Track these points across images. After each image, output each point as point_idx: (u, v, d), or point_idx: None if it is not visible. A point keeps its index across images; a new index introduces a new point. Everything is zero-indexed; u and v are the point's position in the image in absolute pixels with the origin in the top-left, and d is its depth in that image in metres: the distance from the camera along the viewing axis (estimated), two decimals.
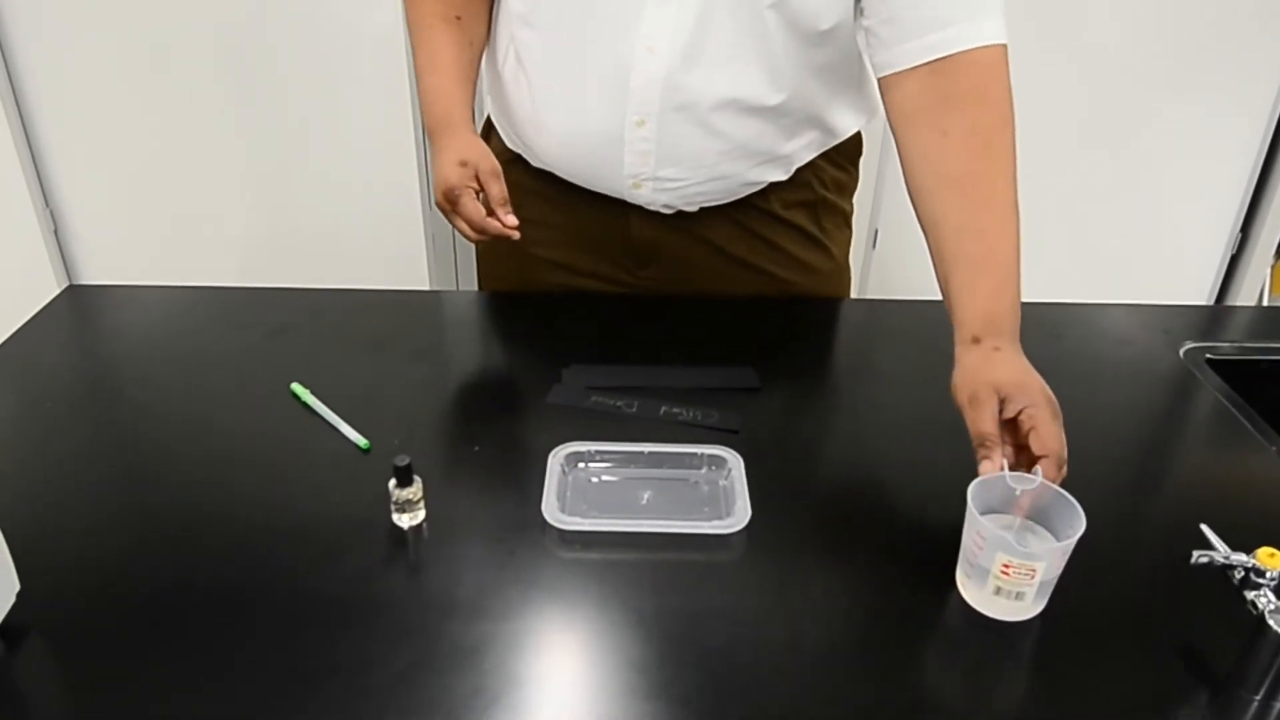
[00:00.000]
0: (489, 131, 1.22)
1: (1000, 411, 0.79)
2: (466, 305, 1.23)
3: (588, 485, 0.85)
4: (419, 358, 1.06)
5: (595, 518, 0.80)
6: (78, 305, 1.17)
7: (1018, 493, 0.75)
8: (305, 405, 0.95)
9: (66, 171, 2.17)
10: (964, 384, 0.82)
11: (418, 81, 1.09)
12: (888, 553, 0.79)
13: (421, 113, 1.08)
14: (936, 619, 0.72)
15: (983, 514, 0.72)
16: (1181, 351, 1.10)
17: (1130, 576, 0.76)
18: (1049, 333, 1.13)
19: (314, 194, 2.17)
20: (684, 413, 0.94)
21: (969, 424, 0.79)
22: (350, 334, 1.10)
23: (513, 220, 0.99)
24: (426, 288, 2.28)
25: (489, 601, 0.71)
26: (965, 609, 0.73)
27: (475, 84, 1.10)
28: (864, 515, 0.83)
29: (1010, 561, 0.69)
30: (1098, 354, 1.10)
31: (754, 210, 1.13)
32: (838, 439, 0.95)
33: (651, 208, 1.10)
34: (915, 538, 0.81)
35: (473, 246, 1.29)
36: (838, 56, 1.02)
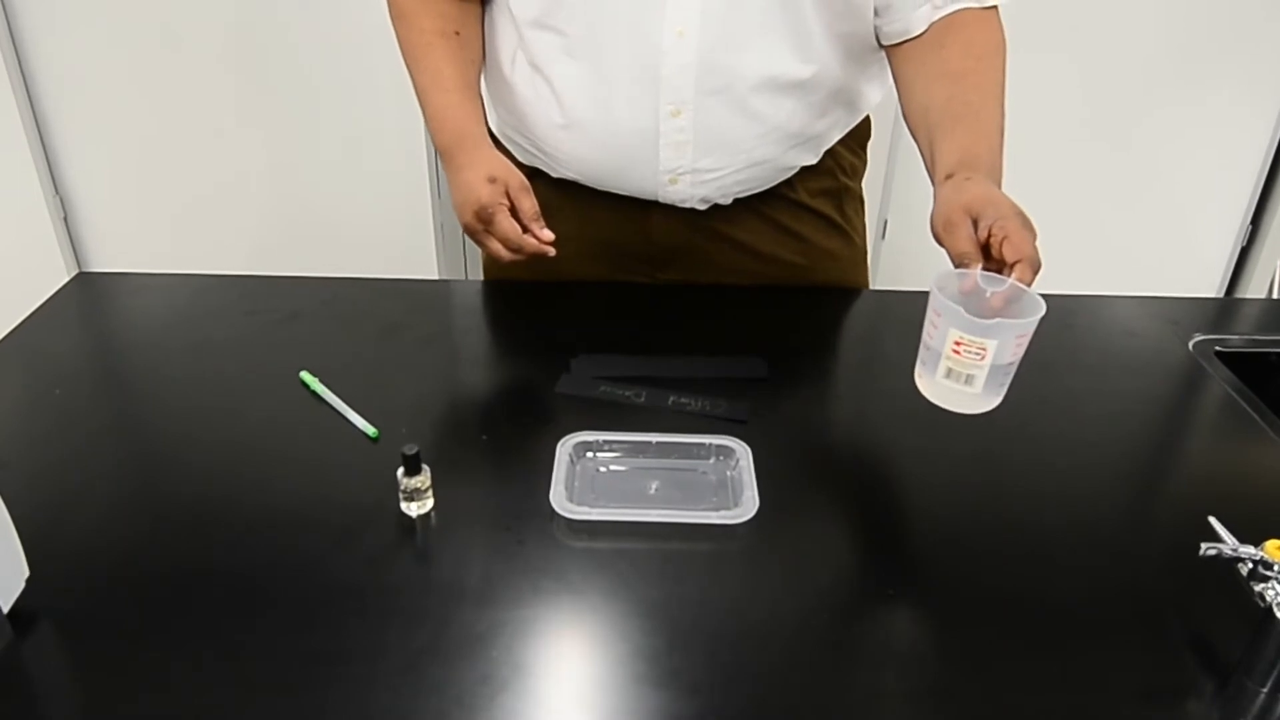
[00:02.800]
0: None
1: (976, 232, 0.79)
2: (475, 294, 1.23)
3: (596, 475, 0.85)
4: (427, 346, 1.06)
5: (603, 507, 0.80)
6: (87, 292, 1.18)
7: (988, 294, 0.74)
8: (314, 393, 0.95)
9: (76, 158, 2.17)
10: (937, 216, 0.82)
11: (422, 102, 1.04)
12: (897, 542, 0.79)
13: (431, 133, 1.04)
14: (947, 606, 0.72)
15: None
16: (1190, 344, 1.09)
17: (1138, 568, 0.76)
18: (1057, 323, 1.13)
19: (324, 182, 2.18)
20: (692, 402, 0.94)
21: (948, 249, 0.79)
22: (359, 322, 1.10)
23: (549, 235, 0.96)
24: (435, 276, 2.28)
25: (497, 590, 0.72)
26: (977, 596, 0.72)
27: (481, 102, 1.07)
28: (873, 505, 0.83)
29: (961, 338, 0.68)
30: (1106, 346, 1.09)
31: (780, 201, 1.13)
32: (847, 429, 0.95)
33: (685, 204, 1.09)
34: (925, 527, 0.81)
35: None
36: (858, 23, 1.02)
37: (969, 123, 0.92)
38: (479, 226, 0.97)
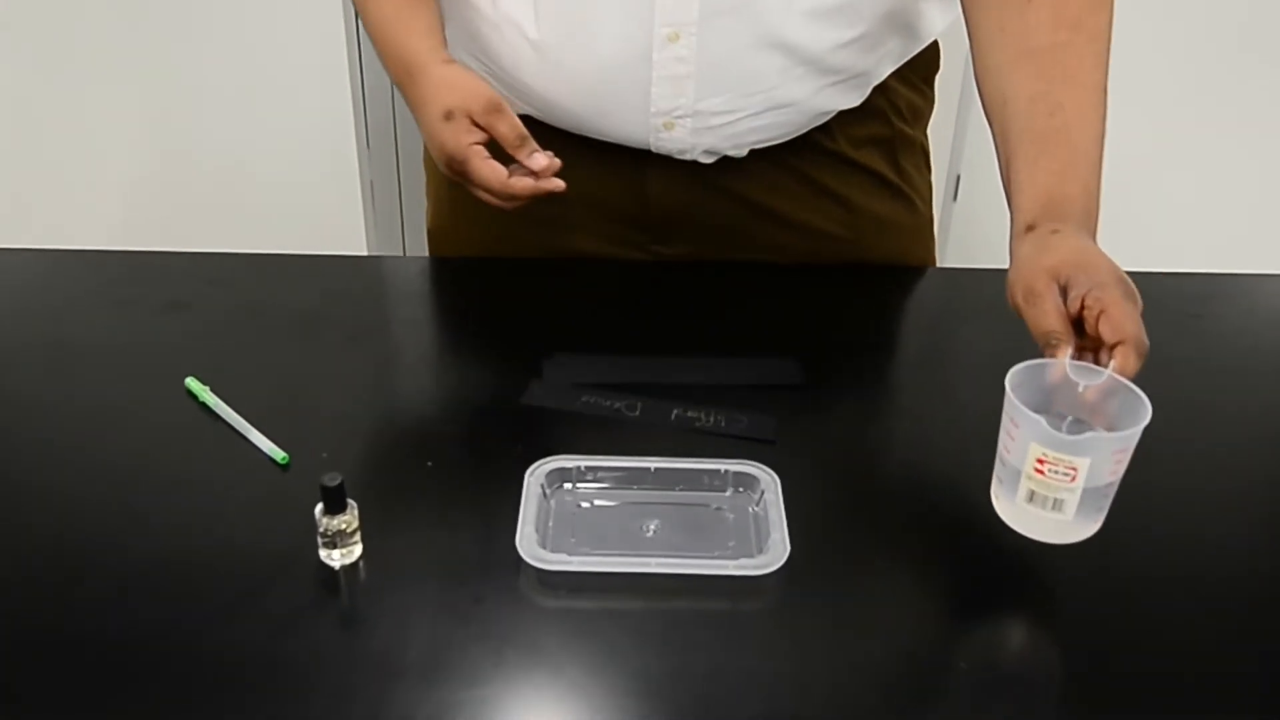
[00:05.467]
0: None
1: (1065, 302, 0.80)
2: (416, 275, 1.23)
3: (576, 512, 0.86)
4: (354, 344, 1.07)
5: (586, 554, 0.80)
6: None
7: (1081, 389, 0.76)
8: (205, 407, 0.95)
9: None
10: (1017, 280, 0.84)
11: (369, 32, 1.06)
12: (969, 600, 0.79)
13: (383, 65, 1.06)
14: (1037, 686, 0.72)
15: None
16: None
17: None
18: (1187, 311, 1.14)
19: (214, 127, 2.18)
20: (703, 417, 0.95)
21: (1030, 325, 0.81)
22: (264, 313, 1.11)
23: (541, 161, 0.96)
24: (364, 252, 2.28)
25: (447, 662, 0.72)
26: (1076, 673, 0.73)
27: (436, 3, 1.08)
28: (939, 553, 0.83)
29: (1045, 455, 0.71)
30: (1251, 339, 1.10)
31: (814, 152, 1.13)
32: (905, 452, 0.96)
33: (685, 156, 1.10)
34: (1000, 577, 0.81)
35: (424, 202, 1.29)
36: None
37: (1057, 145, 0.92)
38: (459, 179, 0.99)
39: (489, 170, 0.96)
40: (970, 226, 2.22)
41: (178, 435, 0.93)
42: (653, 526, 0.84)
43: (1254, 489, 0.91)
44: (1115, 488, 0.73)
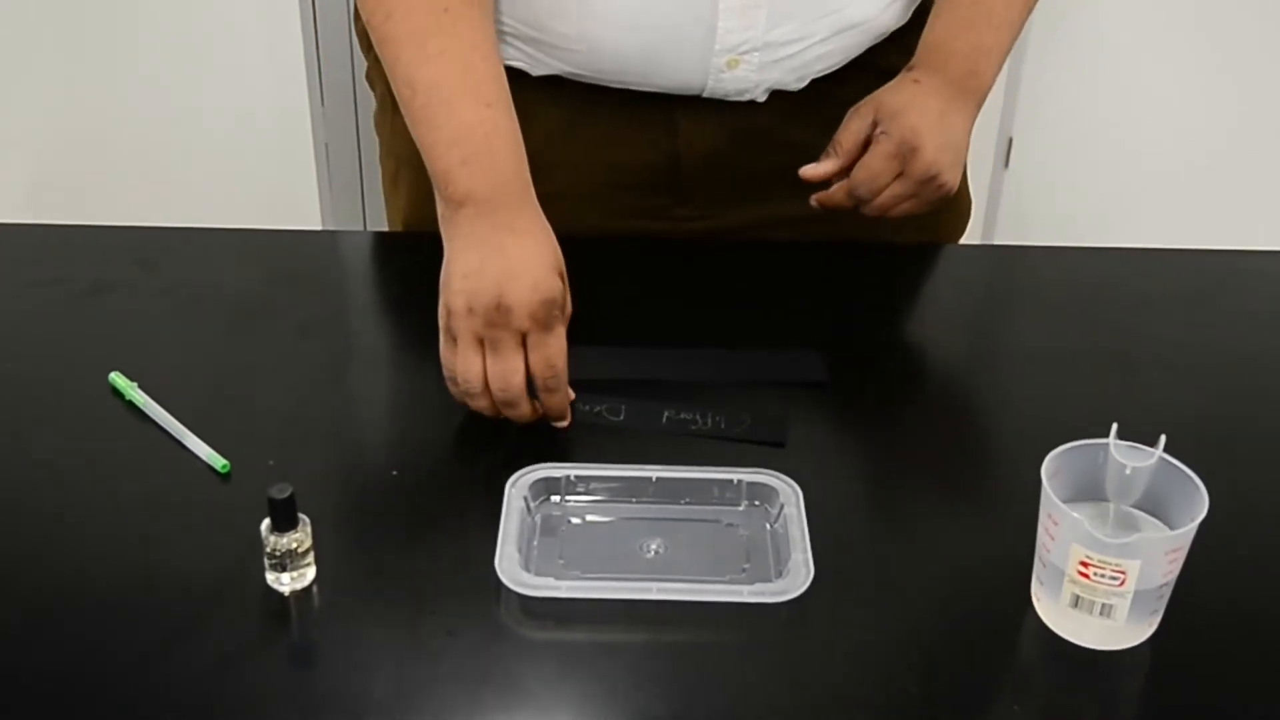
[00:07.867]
0: None
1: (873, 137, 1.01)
2: (378, 253, 1.23)
3: (565, 529, 0.86)
4: (306, 334, 1.07)
5: (576, 579, 0.80)
6: None
7: (1127, 470, 0.77)
8: (132, 406, 0.95)
9: None
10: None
11: (432, 115, 0.94)
12: (1021, 631, 0.79)
13: (444, 169, 0.93)
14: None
15: (1069, 501, 0.74)
16: None
17: None
18: (1231, 286, 1.14)
19: (148, 79, 2.17)
20: (700, 419, 0.95)
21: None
22: (201, 297, 1.10)
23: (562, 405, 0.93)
24: (318, 226, 2.27)
25: (415, 705, 0.71)
26: (1127, 709, 0.73)
27: None
28: (978, 571, 0.83)
29: (1089, 557, 0.71)
30: None
31: (866, 74, 1.12)
32: (944, 459, 0.96)
33: (743, 97, 1.11)
34: None
35: (381, 169, 1.28)
36: None
37: (963, 7, 1.08)
38: (517, 335, 0.90)
39: (561, 347, 0.91)
40: (1023, 198, 2.22)
41: (100, 439, 0.93)
42: (654, 546, 0.84)
43: None
44: (1171, 586, 0.74)
